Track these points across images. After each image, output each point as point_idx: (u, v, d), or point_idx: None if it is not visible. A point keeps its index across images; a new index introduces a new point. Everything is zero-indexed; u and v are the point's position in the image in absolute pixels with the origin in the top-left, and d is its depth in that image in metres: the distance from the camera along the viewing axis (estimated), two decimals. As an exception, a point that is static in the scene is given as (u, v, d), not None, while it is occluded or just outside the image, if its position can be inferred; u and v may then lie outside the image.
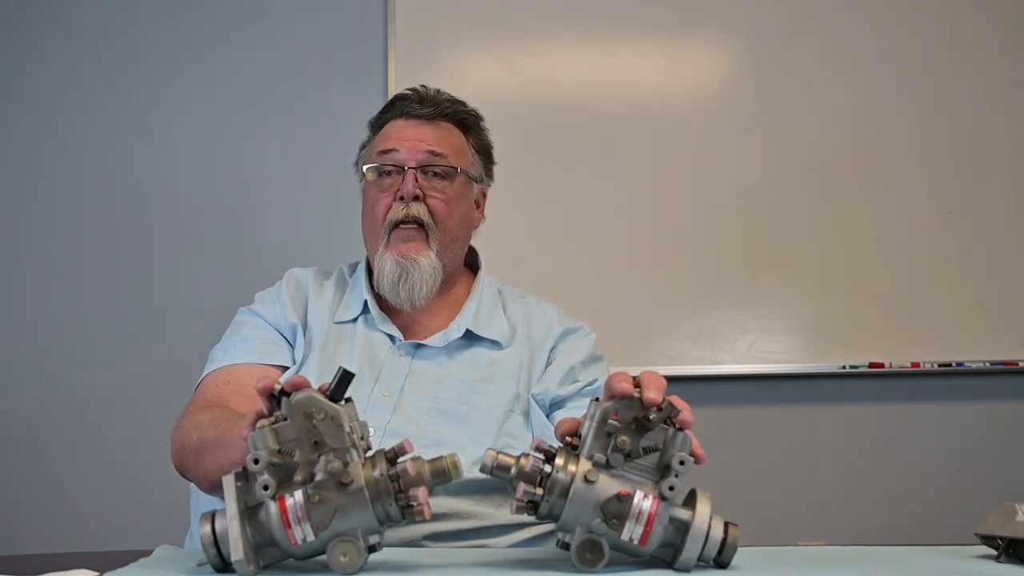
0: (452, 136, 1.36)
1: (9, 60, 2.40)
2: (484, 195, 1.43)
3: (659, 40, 2.37)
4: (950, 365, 2.26)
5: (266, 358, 1.26)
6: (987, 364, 2.26)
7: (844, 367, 2.26)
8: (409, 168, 1.30)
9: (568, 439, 0.85)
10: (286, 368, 1.27)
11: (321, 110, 2.37)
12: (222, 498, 0.79)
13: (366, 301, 1.34)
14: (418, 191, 1.29)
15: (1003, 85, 2.35)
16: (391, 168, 1.32)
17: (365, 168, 1.34)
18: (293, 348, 1.30)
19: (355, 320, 1.33)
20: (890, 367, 2.26)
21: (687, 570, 0.81)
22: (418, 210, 1.29)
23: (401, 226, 1.29)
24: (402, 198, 1.29)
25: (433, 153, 1.32)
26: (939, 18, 2.36)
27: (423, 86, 1.39)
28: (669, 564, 0.83)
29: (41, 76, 2.40)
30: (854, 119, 2.34)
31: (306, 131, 2.37)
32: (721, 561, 0.82)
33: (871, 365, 2.26)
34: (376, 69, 2.38)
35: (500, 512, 1.16)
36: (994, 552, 0.88)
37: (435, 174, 1.32)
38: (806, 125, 2.34)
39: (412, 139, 1.32)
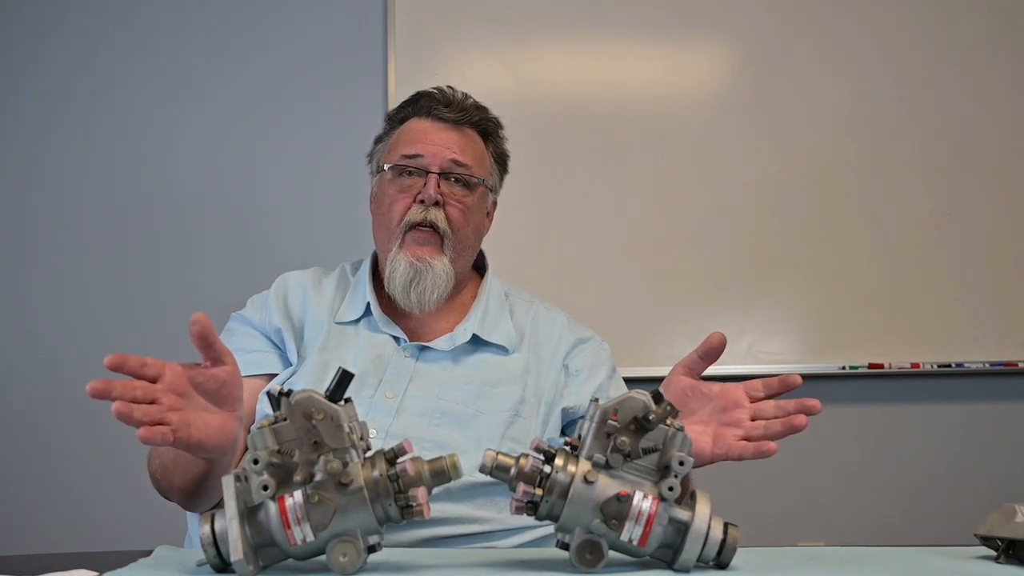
0: (475, 145, 1.36)
1: (11, 58, 2.40)
2: (495, 204, 1.42)
3: (659, 40, 2.37)
4: (950, 366, 2.26)
5: (253, 368, 1.25)
6: (987, 365, 2.26)
7: (844, 367, 2.25)
8: (432, 173, 1.30)
9: (567, 440, 0.85)
10: (274, 376, 1.27)
11: (321, 110, 2.37)
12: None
13: (369, 303, 1.33)
14: (438, 196, 1.29)
15: (1002, 86, 2.35)
16: (413, 169, 1.31)
17: (386, 166, 1.34)
18: (284, 351, 1.29)
19: (357, 321, 1.32)
20: (890, 368, 2.26)
21: (687, 570, 0.81)
22: (436, 215, 1.29)
23: (417, 228, 1.29)
24: (422, 201, 1.29)
25: (457, 162, 1.32)
26: (938, 19, 2.36)
27: (450, 87, 1.37)
28: (669, 565, 0.83)
29: (43, 77, 2.39)
30: (854, 120, 2.34)
31: (306, 131, 2.36)
32: (721, 562, 0.82)
33: (871, 366, 2.26)
34: (376, 69, 2.38)
35: (503, 516, 1.15)
36: (994, 553, 0.88)
37: (457, 180, 1.32)
38: (806, 126, 2.34)
39: (437, 144, 1.32)
